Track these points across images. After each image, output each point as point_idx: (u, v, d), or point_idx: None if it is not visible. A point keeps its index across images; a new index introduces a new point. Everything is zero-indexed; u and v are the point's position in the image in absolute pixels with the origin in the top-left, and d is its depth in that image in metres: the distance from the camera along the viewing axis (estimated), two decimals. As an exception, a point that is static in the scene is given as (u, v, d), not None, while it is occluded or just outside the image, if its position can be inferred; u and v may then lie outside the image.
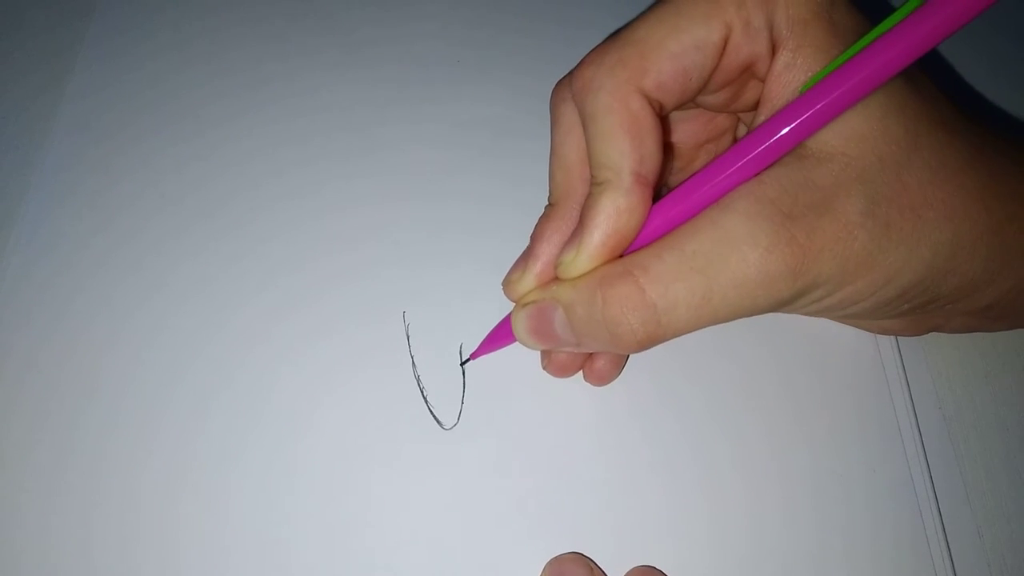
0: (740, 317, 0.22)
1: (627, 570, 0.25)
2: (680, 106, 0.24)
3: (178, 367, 0.28)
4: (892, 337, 0.29)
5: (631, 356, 0.28)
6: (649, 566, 0.25)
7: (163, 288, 0.29)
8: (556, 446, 0.27)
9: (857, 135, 0.22)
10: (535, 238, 0.25)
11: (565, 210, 0.25)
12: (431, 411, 0.27)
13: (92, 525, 0.25)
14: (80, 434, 0.27)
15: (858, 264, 0.22)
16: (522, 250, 0.26)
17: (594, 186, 0.23)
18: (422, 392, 0.28)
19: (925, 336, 0.29)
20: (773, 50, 0.23)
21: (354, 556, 0.25)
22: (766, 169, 0.22)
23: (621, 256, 0.23)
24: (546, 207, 0.26)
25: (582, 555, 0.25)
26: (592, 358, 0.27)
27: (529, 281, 0.25)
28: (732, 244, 0.21)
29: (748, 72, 0.24)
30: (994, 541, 0.26)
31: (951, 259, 0.23)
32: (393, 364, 0.28)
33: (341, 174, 0.32)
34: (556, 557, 0.25)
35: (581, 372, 0.28)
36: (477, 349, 0.28)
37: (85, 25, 0.35)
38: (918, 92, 0.23)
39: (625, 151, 0.22)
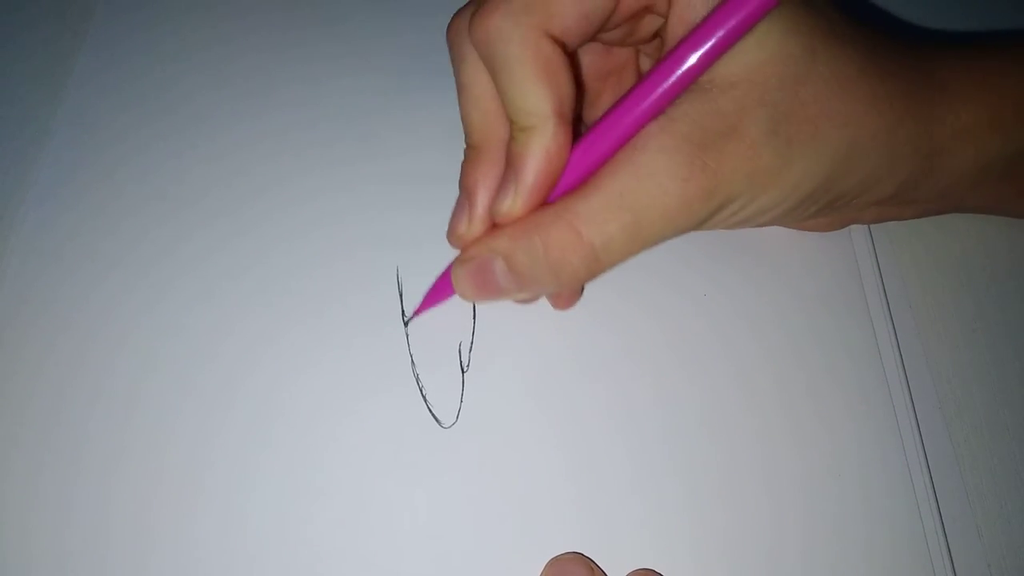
0: (667, 239, 0.24)
1: (627, 571, 0.25)
2: (581, 44, 0.25)
3: (177, 367, 0.28)
4: (893, 337, 0.29)
5: (637, 362, 0.28)
6: (649, 569, 0.25)
7: (163, 288, 0.29)
8: (556, 445, 0.27)
9: (756, 60, 0.23)
10: (469, 186, 0.25)
11: (491, 153, 0.25)
12: (430, 410, 0.27)
13: (93, 525, 0.25)
14: (79, 434, 0.27)
15: (765, 178, 0.24)
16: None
17: (518, 131, 0.23)
18: (421, 391, 0.28)
19: (925, 336, 0.29)
20: None
21: (353, 555, 0.25)
22: (674, 104, 0.23)
23: (547, 200, 0.24)
24: (467, 150, 0.26)
25: (582, 555, 0.25)
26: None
27: (476, 228, 0.25)
28: (652, 179, 0.23)
29: (645, 9, 0.25)
30: (994, 541, 0.26)
31: (847, 161, 0.24)
32: (392, 363, 0.28)
33: (342, 175, 0.32)
34: (556, 557, 0.25)
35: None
36: (419, 306, 0.28)
37: (86, 23, 0.35)
38: (811, 8, 0.24)
39: (546, 96, 0.23)
